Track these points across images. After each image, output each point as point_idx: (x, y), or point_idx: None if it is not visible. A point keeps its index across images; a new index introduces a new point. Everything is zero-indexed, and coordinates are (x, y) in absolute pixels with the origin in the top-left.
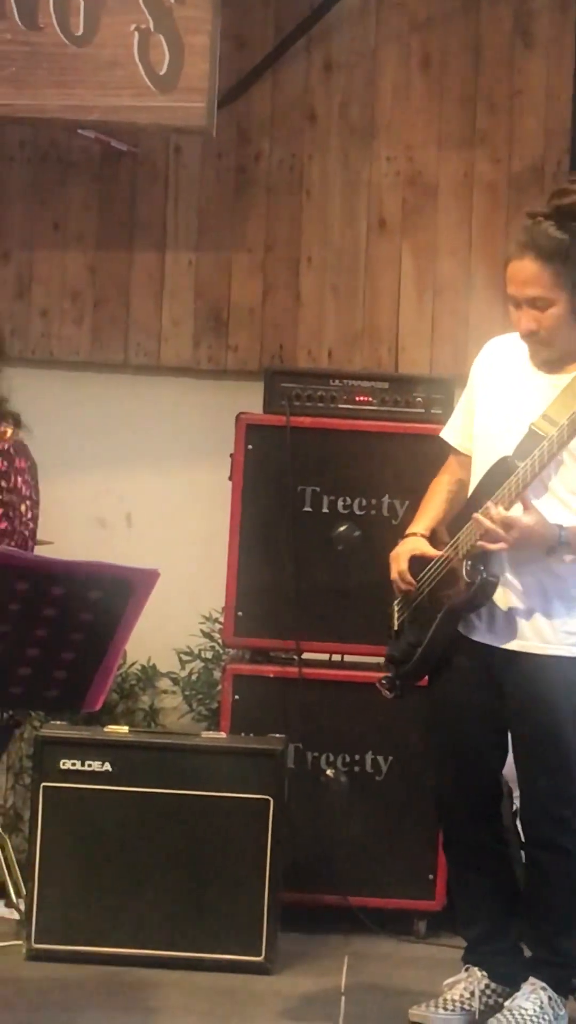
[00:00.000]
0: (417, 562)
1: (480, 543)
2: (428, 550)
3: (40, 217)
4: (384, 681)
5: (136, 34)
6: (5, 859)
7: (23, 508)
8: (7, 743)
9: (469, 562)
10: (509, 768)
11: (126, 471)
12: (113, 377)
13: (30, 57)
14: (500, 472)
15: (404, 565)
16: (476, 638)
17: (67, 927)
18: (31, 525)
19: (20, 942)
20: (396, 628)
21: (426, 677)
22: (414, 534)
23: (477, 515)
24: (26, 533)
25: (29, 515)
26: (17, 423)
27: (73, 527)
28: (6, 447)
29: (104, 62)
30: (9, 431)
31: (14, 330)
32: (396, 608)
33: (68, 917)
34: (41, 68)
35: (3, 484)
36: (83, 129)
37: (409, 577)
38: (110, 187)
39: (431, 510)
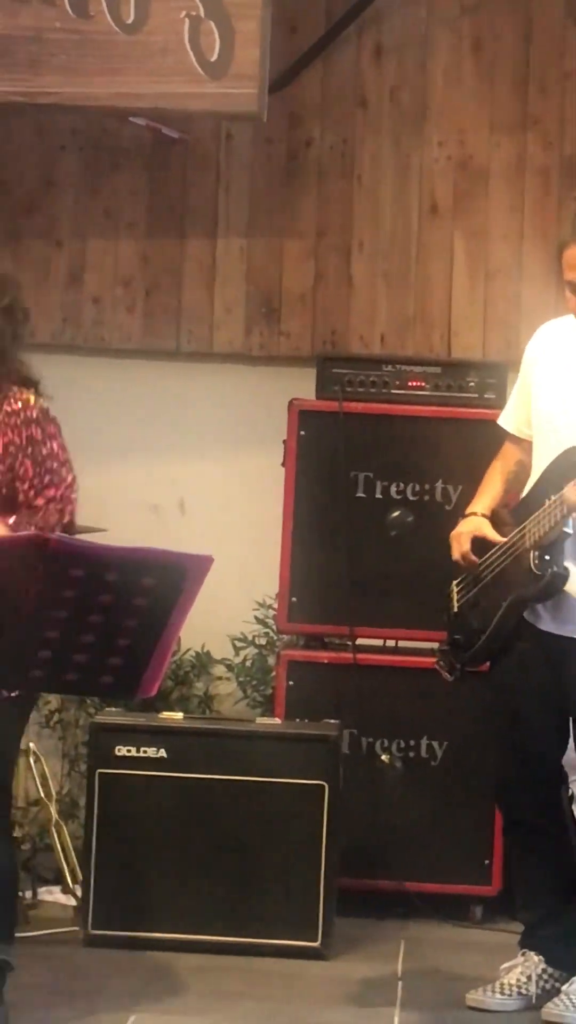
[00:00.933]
0: (478, 543)
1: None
2: (490, 532)
3: (92, 205)
4: (443, 663)
5: (187, 21)
6: (61, 845)
7: (64, 472)
8: (26, 719)
9: (537, 553)
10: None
11: (179, 458)
12: (165, 364)
13: (80, 45)
14: (567, 460)
15: (467, 546)
16: (541, 626)
17: (123, 913)
18: (74, 488)
19: (77, 928)
20: (456, 610)
21: (487, 662)
22: (474, 514)
23: (566, 491)
24: (72, 497)
25: (70, 478)
26: (37, 391)
27: (126, 514)
28: (33, 414)
29: (155, 49)
30: (32, 398)
31: (67, 318)
32: (456, 589)
33: (124, 903)
34: (92, 56)
35: (42, 451)
36: (134, 117)
37: (472, 557)
38: (161, 174)
39: (491, 490)
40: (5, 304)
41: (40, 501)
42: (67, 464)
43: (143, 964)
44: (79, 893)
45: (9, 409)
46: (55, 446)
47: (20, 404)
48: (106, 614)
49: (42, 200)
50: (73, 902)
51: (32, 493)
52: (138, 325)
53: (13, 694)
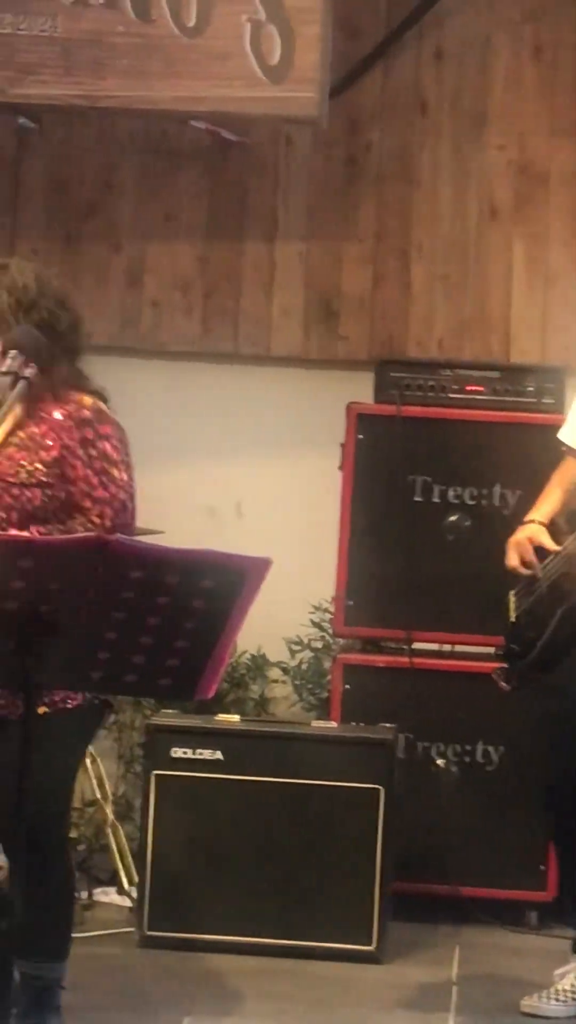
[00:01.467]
0: (536, 551)
1: None
2: (546, 540)
3: (151, 208)
4: (500, 672)
5: (248, 25)
6: (117, 847)
7: (115, 472)
8: (100, 725)
9: None
10: None
11: (236, 461)
12: (223, 368)
13: (142, 49)
14: None
15: (531, 554)
16: None
17: (178, 915)
18: (129, 489)
19: (132, 929)
20: (513, 619)
21: (543, 671)
22: (533, 521)
23: None
24: (123, 497)
25: (124, 477)
26: (102, 398)
27: (183, 516)
28: (86, 414)
29: (216, 53)
30: (87, 399)
31: (125, 321)
32: (514, 598)
33: (179, 905)
34: (153, 60)
35: (91, 452)
36: (194, 120)
37: (534, 561)
38: (221, 178)
39: (551, 499)
40: (42, 317)
41: (88, 503)
42: (121, 464)
43: (197, 966)
44: (134, 894)
45: (63, 413)
46: (108, 446)
47: (73, 406)
48: (165, 616)
49: (102, 203)
50: (128, 903)
51: (82, 494)
52: (196, 328)
53: (74, 704)
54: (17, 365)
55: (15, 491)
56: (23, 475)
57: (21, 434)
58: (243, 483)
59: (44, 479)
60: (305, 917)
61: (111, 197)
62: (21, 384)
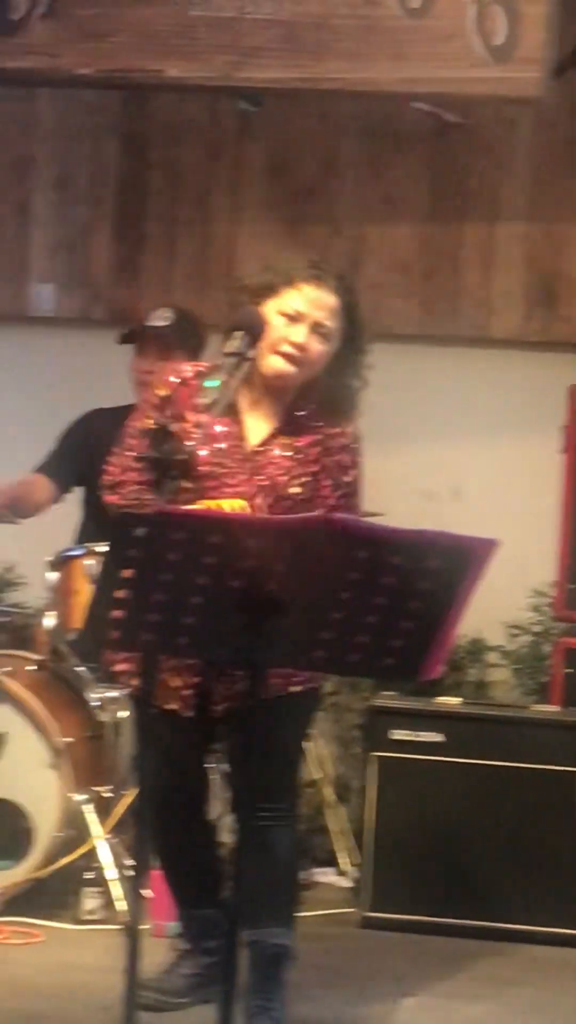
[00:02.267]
0: None
1: None
2: None
3: (372, 190)
4: None
5: (473, 5)
6: (336, 828)
7: (356, 501)
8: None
9: None
10: None
11: (454, 444)
12: (443, 350)
13: (366, 31)
14: None
15: None
16: None
17: (399, 896)
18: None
19: (352, 910)
20: None
21: None
22: None
23: None
24: None
25: (361, 507)
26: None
27: (401, 499)
28: (347, 442)
29: (440, 34)
30: (350, 426)
31: None
32: None
33: (400, 886)
34: (376, 42)
35: (342, 479)
36: (416, 102)
37: None
38: (441, 159)
39: None
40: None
41: None
42: (360, 494)
43: (417, 947)
44: (353, 875)
45: (328, 431)
46: (356, 475)
47: (336, 428)
48: (390, 596)
49: (323, 185)
50: (347, 884)
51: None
52: (416, 311)
53: (299, 688)
54: (242, 346)
55: (287, 503)
56: (294, 487)
57: (285, 440)
58: (462, 466)
59: (308, 495)
60: (527, 900)
61: (332, 179)
62: (245, 365)
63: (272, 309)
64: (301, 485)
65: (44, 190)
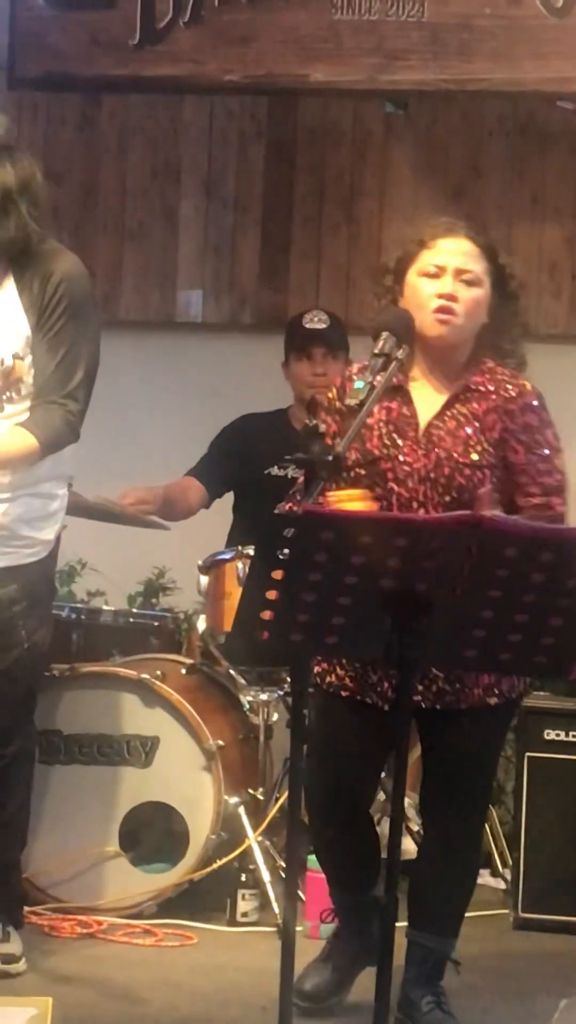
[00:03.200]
0: None
1: None
2: None
3: (518, 190)
4: None
5: None
6: (490, 829)
7: (558, 462)
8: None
9: None
10: None
11: None
12: None
13: (509, 31)
14: None
15: None
16: None
17: (554, 897)
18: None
19: (507, 911)
20: None
21: None
22: None
23: None
24: (566, 484)
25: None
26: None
27: None
28: (532, 401)
29: None
30: (529, 384)
31: None
32: None
33: (555, 887)
34: (520, 42)
35: (536, 438)
36: (561, 101)
37: None
38: None
39: None
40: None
41: (534, 490)
42: (561, 452)
43: (573, 949)
44: (508, 876)
45: (505, 395)
46: (550, 434)
47: (515, 389)
48: (540, 594)
49: (469, 186)
50: (503, 885)
51: (530, 481)
52: (564, 310)
53: (496, 701)
54: (389, 347)
55: (467, 471)
56: (474, 455)
57: (460, 409)
58: None
59: (492, 460)
60: None
61: (478, 180)
62: (393, 366)
63: (414, 274)
64: (479, 453)
65: (191, 196)
